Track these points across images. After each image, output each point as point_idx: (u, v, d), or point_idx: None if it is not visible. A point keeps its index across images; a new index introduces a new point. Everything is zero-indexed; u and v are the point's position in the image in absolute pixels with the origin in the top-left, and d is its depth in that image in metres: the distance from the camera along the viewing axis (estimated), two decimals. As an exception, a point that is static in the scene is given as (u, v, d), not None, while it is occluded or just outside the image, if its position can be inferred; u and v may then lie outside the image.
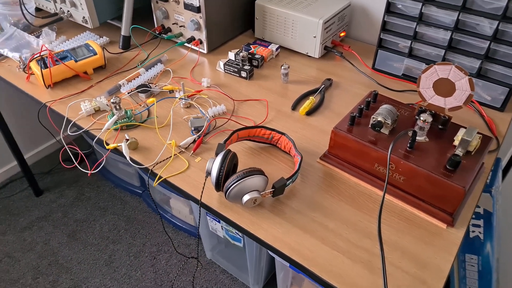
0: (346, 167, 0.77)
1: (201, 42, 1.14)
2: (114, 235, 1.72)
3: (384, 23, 1.00)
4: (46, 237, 1.70)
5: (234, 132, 0.78)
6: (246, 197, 0.65)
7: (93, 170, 0.83)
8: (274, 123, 0.91)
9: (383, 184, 0.73)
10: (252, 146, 0.84)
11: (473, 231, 1.10)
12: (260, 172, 0.67)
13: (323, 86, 1.01)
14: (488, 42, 0.87)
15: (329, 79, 1.04)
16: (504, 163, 1.19)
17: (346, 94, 1.01)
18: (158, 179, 0.75)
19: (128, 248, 1.67)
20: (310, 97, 0.96)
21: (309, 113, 0.93)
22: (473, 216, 1.08)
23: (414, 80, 1.02)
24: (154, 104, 0.90)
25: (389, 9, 0.97)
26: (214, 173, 0.67)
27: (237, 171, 0.66)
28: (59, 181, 1.94)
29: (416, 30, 0.95)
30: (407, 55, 1.00)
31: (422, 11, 0.92)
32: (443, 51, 0.94)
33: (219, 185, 0.67)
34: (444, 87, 0.70)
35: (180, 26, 1.16)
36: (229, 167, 0.67)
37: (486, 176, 0.77)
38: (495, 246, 1.10)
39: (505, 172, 1.21)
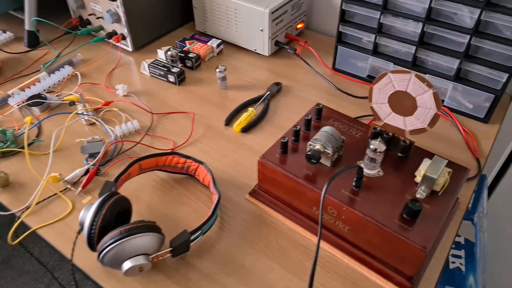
0: (279, 207, 0.61)
1: (124, 38, 0.97)
2: (55, 260, 1.55)
3: (343, 12, 0.84)
4: (-26, 264, 1.53)
5: (132, 163, 0.61)
6: (126, 265, 0.49)
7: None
8: (199, 144, 0.74)
9: (324, 233, 0.57)
10: (165, 177, 0.68)
11: (453, 262, 0.96)
12: (150, 228, 0.50)
13: (269, 92, 0.85)
14: (469, 36, 0.71)
15: (277, 84, 0.88)
16: (490, 179, 1.05)
17: (297, 102, 0.84)
18: (17, 233, 0.58)
19: (70, 276, 1.50)
20: (249, 109, 0.80)
21: (246, 129, 0.77)
22: (453, 246, 0.93)
23: (381, 83, 0.85)
24: (28, 124, 0.72)
25: (347, -5, 0.81)
26: (86, 228, 0.50)
27: (122, 226, 0.50)
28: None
29: (381, 21, 0.79)
30: (372, 52, 0.84)
31: (386, -3, 0.75)
32: (414, 47, 0.78)
33: (92, 245, 0.51)
34: (403, 103, 0.54)
35: (97, 18, 0.98)
36: (107, 220, 0.51)
37: (462, 213, 0.62)
38: (479, 279, 0.96)
39: (490, 189, 1.06)
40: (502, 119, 0.78)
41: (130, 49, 0.98)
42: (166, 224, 0.59)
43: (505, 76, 0.70)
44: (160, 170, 0.66)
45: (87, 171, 0.66)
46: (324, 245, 0.57)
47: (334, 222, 0.54)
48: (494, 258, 1.18)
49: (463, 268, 0.95)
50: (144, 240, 0.49)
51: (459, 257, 0.93)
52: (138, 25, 0.96)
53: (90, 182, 0.65)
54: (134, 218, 0.59)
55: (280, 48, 0.98)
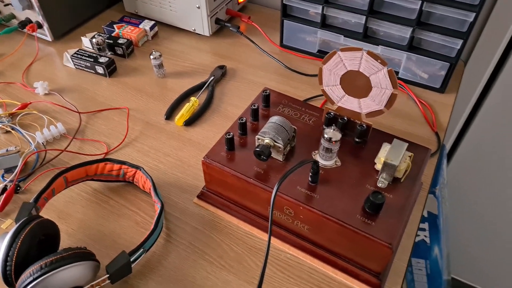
0: (232, 208, 0.56)
1: (40, 26, 0.86)
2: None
3: (285, -18, 0.78)
4: None
5: (56, 177, 0.54)
6: (54, 303, 0.42)
7: None
8: (137, 144, 0.67)
9: (283, 233, 0.53)
10: (99, 187, 0.60)
11: (418, 235, 0.97)
12: (79, 256, 0.44)
13: (212, 78, 0.78)
14: (420, 1, 0.67)
15: (221, 67, 0.81)
16: (448, 146, 1.05)
17: (244, 86, 0.78)
18: None
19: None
20: (192, 98, 0.73)
21: (189, 122, 0.70)
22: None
23: (332, 58, 0.81)
24: None
25: (288, -37, 0.75)
26: (0, 264, 0.43)
27: (43, 259, 0.43)
28: None
29: (327, -10, 0.74)
30: (320, 25, 0.79)
31: (330, -37, 0.70)
32: (364, 17, 0.74)
33: (11, 283, 0.43)
34: (357, 84, 0.50)
35: (6, 5, 0.86)
36: (24, 252, 0.44)
37: (425, 193, 0.60)
38: (443, 249, 0.98)
39: (448, 156, 1.07)
40: (458, 88, 0.77)
41: (49, 38, 0.87)
42: (103, 243, 0.53)
43: (459, 42, 0.68)
44: (92, 180, 0.58)
45: (3, 190, 0.57)
46: (283, 246, 0.53)
47: (292, 222, 0.50)
48: (457, 224, 1.22)
49: (427, 240, 0.96)
50: (73, 272, 0.43)
51: (423, 229, 0.94)
52: (56, 10, 0.85)
53: (8, 203, 0.57)
54: (64, 241, 0.52)
55: (221, 26, 0.91)
